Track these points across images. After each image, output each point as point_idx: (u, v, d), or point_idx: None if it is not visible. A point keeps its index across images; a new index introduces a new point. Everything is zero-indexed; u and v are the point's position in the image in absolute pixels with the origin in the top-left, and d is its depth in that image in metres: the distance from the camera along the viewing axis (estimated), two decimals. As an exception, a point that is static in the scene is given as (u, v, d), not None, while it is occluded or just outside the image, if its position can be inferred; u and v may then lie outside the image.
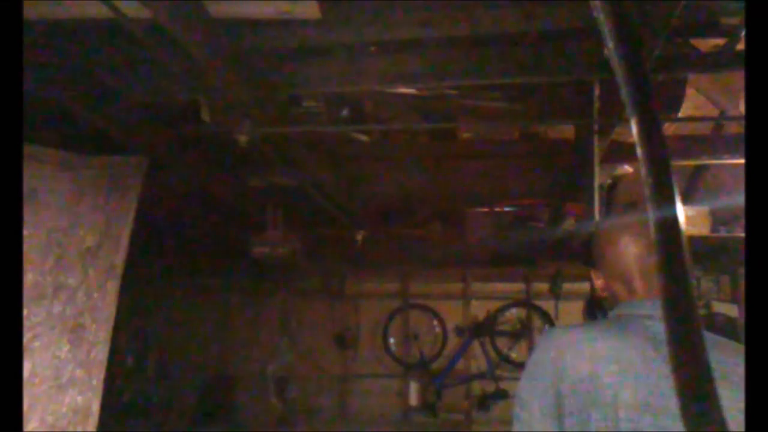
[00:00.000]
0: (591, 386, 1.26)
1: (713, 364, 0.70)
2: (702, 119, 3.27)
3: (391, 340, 6.60)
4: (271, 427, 6.25)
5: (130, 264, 2.83)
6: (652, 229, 0.52)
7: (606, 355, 1.29)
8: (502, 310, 6.30)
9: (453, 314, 6.52)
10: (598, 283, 1.53)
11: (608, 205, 3.87)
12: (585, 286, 6.09)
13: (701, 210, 3.79)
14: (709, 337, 1.35)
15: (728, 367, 1.23)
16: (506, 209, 4.60)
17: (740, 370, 1.23)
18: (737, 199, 3.56)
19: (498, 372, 6.14)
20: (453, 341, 6.45)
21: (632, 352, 1.29)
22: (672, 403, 1.19)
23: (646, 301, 1.39)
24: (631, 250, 1.43)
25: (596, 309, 5.93)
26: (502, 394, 6.05)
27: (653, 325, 1.34)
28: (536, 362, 1.37)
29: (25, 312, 2.37)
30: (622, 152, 3.15)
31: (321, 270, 6.36)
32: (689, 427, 0.49)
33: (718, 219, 3.96)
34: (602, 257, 1.50)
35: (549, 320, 6.13)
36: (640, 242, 1.43)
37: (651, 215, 0.51)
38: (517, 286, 6.43)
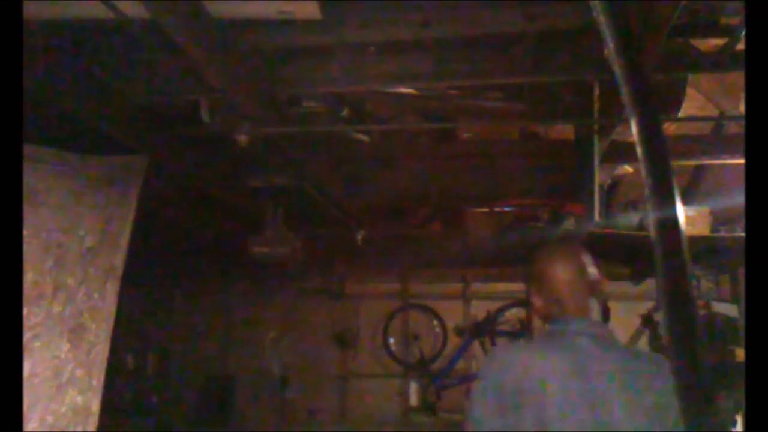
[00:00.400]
0: (524, 390, 1.52)
1: (629, 373, 1.01)
2: (702, 119, 3.27)
3: (391, 340, 6.60)
4: (271, 427, 6.25)
5: (130, 264, 2.83)
6: (652, 229, 0.52)
7: (538, 366, 1.56)
8: (502, 310, 6.29)
9: (453, 314, 6.52)
10: (535, 301, 1.75)
11: (608, 205, 3.87)
12: (585, 286, 6.10)
13: (701, 210, 3.79)
14: (631, 350, 1.77)
15: (637, 373, 1.53)
16: (506, 209, 4.59)
17: (646, 377, 1.52)
18: (737, 199, 3.56)
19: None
20: (453, 341, 6.44)
21: (559, 363, 1.55)
22: (588, 409, 1.49)
23: (576, 320, 1.66)
24: (562, 275, 1.69)
25: (596, 309, 5.93)
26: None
27: (581, 341, 1.61)
28: (485, 371, 1.66)
29: (25, 312, 2.37)
30: (622, 152, 3.15)
31: (321, 270, 6.36)
32: (689, 427, 0.49)
33: (718, 219, 3.96)
34: (539, 280, 1.73)
35: (549, 320, 6.12)
36: (571, 268, 1.71)
37: (651, 215, 0.51)
38: (517, 286, 6.42)
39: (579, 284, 1.72)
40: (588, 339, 1.62)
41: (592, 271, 1.78)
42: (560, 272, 1.70)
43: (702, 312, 4.96)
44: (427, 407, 6.25)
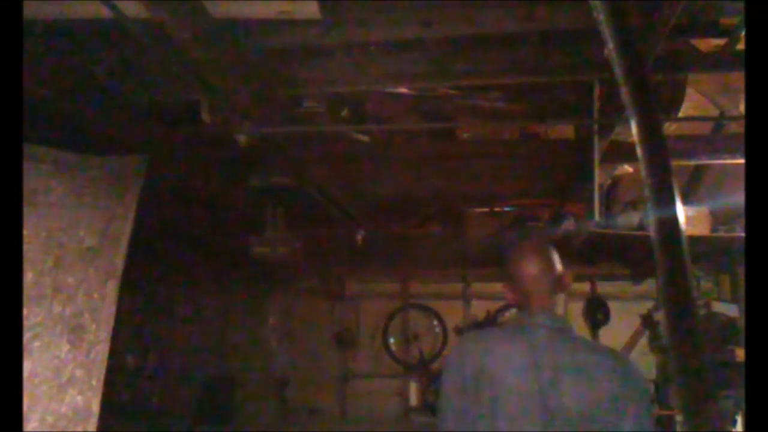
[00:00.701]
0: (483, 375, 1.74)
1: (576, 361, 1.30)
2: (702, 119, 3.27)
3: (391, 340, 6.60)
4: (271, 427, 6.25)
5: (130, 264, 2.83)
6: (652, 229, 0.52)
7: (496, 354, 1.78)
8: (502, 310, 6.29)
9: (453, 314, 6.52)
10: (508, 294, 1.93)
11: (608, 205, 3.87)
12: (585, 287, 6.09)
13: (701, 210, 3.79)
14: (587, 344, 1.95)
15: (588, 364, 1.72)
16: (506, 209, 4.59)
17: (595, 368, 1.71)
18: (737, 199, 3.56)
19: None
20: (453, 341, 6.44)
21: (517, 353, 1.75)
22: (538, 396, 1.68)
23: (539, 313, 1.82)
24: (529, 271, 1.86)
25: (597, 309, 5.93)
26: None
27: (540, 332, 1.78)
28: (451, 357, 1.93)
29: (25, 312, 2.37)
30: (622, 152, 3.15)
31: (321, 270, 6.35)
32: (689, 426, 0.49)
33: (718, 219, 3.96)
34: (510, 276, 1.91)
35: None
36: (537, 265, 1.87)
37: (651, 215, 0.51)
38: (517, 286, 6.41)
39: (544, 280, 1.86)
40: (546, 331, 1.79)
41: (558, 268, 1.89)
42: (527, 269, 1.87)
43: (702, 312, 4.96)
44: (427, 407, 6.25)
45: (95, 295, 2.67)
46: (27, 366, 2.36)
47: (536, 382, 1.69)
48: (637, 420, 1.66)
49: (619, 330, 6.02)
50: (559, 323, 1.83)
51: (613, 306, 5.95)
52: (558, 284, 1.87)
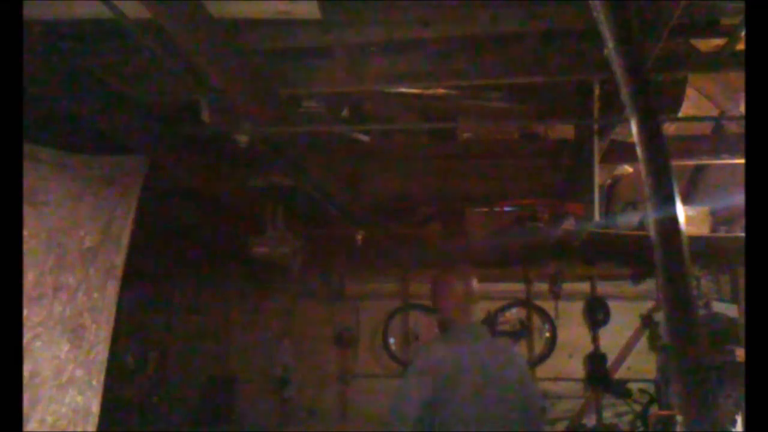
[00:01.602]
0: (442, 375, 2.27)
1: (495, 357, 2.34)
2: (702, 119, 3.27)
3: (391, 340, 6.60)
4: (271, 427, 6.25)
5: (131, 264, 2.83)
6: (652, 229, 0.52)
7: (449, 359, 2.34)
8: (502, 310, 6.29)
9: (453, 314, 6.52)
10: (441, 311, 2.59)
11: (608, 205, 3.87)
12: (585, 286, 6.09)
13: (701, 210, 3.79)
14: (495, 343, 2.77)
15: (501, 358, 2.47)
16: (506, 209, 4.59)
17: (511, 363, 2.50)
18: (737, 199, 3.56)
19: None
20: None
21: (463, 357, 2.35)
22: (483, 393, 2.30)
23: (470, 326, 2.54)
24: (459, 291, 2.54)
25: (597, 309, 5.93)
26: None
27: (474, 342, 2.47)
28: (417, 362, 2.47)
29: (25, 312, 2.37)
30: (622, 152, 3.15)
31: (321, 270, 6.35)
32: (689, 426, 0.49)
33: (718, 219, 3.96)
34: (441, 295, 2.58)
35: (549, 320, 6.12)
36: (464, 287, 2.55)
37: (651, 215, 0.51)
38: (517, 286, 6.41)
39: (468, 298, 2.55)
40: (474, 338, 2.50)
41: (476, 287, 2.60)
42: (456, 289, 2.55)
43: (702, 312, 4.96)
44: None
45: (95, 295, 2.67)
46: (27, 366, 2.36)
47: (480, 376, 2.33)
48: (531, 391, 2.53)
49: (619, 330, 6.02)
50: (481, 331, 2.60)
51: (613, 306, 5.95)
52: (476, 300, 2.59)
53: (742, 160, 3.13)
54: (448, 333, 2.53)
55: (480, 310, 6.38)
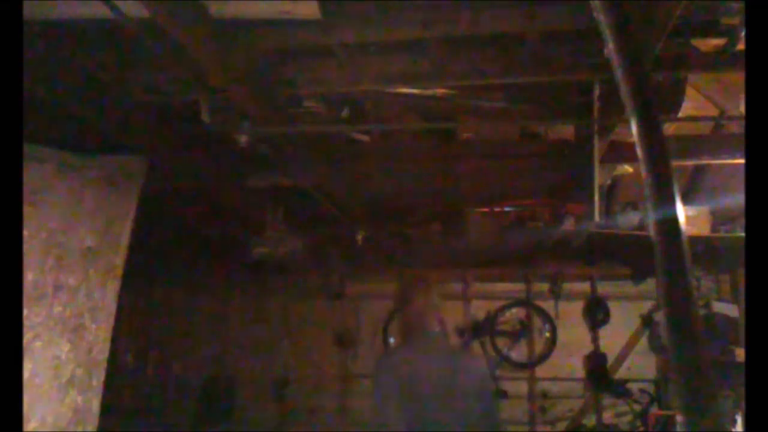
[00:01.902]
0: (403, 381, 2.43)
1: (455, 363, 2.58)
2: (702, 119, 3.26)
3: (391, 340, 6.59)
4: (271, 427, 6.25)
5: (131, 264, 2.83)
6: (652, 229, 0.52)
7: (409, 365, 2.50)
8: (502, 310, 6.29)
9: (453, 314, 6.52)
10: (405, 319, 2.74)
11: (608, 205, 3.87)
12: (585, 286, 6.09)
13: (701, 210, 3.79)
14: (458, 352, 3.09)
15: (461, 364, 2.62)
16: (506, 209, 4.59)
17: (471, 371, 2.62)
18: (737, 199, 3.56)
19: (498, 372, 6.14)
20: (452, 341, 6.44)
21: (420, 367, 2.50)
22: (438, 402, 2.43)
23: (430, 334, 2.66)
24: (421, 302, 2.69)
25: (597, 309, 5.93)
26: (502, 394, 6.04)
27: (434, 351, 2.62)
28: (380, 369, 2.58)
29: (25, 312, 2.37)
30: (622, 152, 3.14)
31: (321, 270, 6.35)
32: (689, 426, 0.49)
33: (718, 219, 3.96)
34: (405, 305, 2.73)
35: (549, 320, 6.12)
36: (425, 297, 2.71)
37: (651, 215, 0.51)
38: (517, 286, 6.42)
39: (431, 308, 2.70)
40: (433, 347, 2.66)
41: (438, 299, 2.76)
42: (418, 300, 2.69)
43: (702, 312, 4.96)
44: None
45: (95, 295, 2.67)
46: (28, 366, 2.36)
47: (435, 386, 2.47)
48: (488, 403, 2.63)
49: (619, 330, 6.02)
50: (442, 339, 2.75)
51: (613, 306, 5.95)
52: (438, 309, 2.74)
53: (742, 160, 3.13)
54: (409, 341, 2.73)
55: (480, 309, 6.43)
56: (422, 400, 2.41)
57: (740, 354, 4.41)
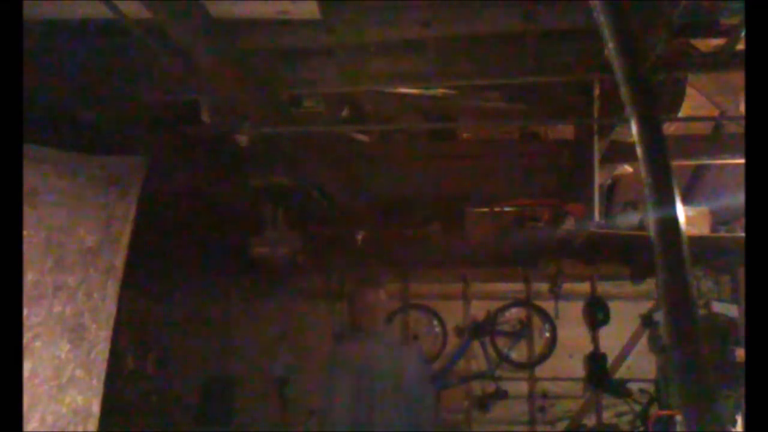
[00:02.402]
0: (350, 372, 2.86)
1: (398, 356, 3.07)
2: (702, 119, 3.27)
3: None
4: (271, 427, 6.25)
5: (131, 264, 2.83)
6: (652, 229, 0.52)
7: (357, 357, 2.91)
8: (502, 310, 6.28)
9: (453, 314, 6.51)
10: (359, 314, 3.11)
11: (608, 205, 3.87)
12: (585, 286, 6.09)
13: (701, 210, 3.78)
14: (391, 342, 3.38)
15: (401, 357, 3.07)
16: (506, 209, 4.59)
17: (410, 360, 3.07)
18: (737, 199, 3.55)
19: (498, 372, 6.14)
20: (453, 341, 6.44)
21: (367, 357, 2.88)
22: (378, 393, 2.81)
23: (377, 332, 3.07)
24: (369, 300, 3.09)
25: (597, 309, 5.93)
26: (502, 394, 6.04)
27: (379, 346, 3.00)
28: (331, 361, 3.09)
29: (25, 312, 2.37)
30: (622, 152, 3.15)
31: (321, 270, 6.35)
32: (689, 426, 0.49)
33: (718, 219, 3.95)
34: (356, 302, 3.12)
35: (549, 320, 6.12)
36: (373, 298, 3.11)
37: (651, 215, 0.51)
38: (517, 286, 6.42)
39: (377, 307, 3.09)
40: (379, 342, 3.02)
41: (384, 297, 3.15)
42: (368, 297, 3.09)
43: (702, 312, 4.96)
44: (427, 407, 6.23)
45: (95, 295, 2.67)
46: (27, 366, 2.36)
47: (375, 378, 2.82)
48: (426, 394, 3.02)
49: (619, 330, 6.01)
50: (388, 335, 3.17)
51: (613, 306, 5.95)
52: (383, 309, 3.17)
53: (742, 160, 3.13)
54: (358, 336, 3.09)
55: (480, 309, 6.43)
56: (364, 390, 2.80)
57: (740, 354, 4.40)
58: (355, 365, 2.90)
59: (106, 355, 2.69)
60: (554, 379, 6.14)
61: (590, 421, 5.97)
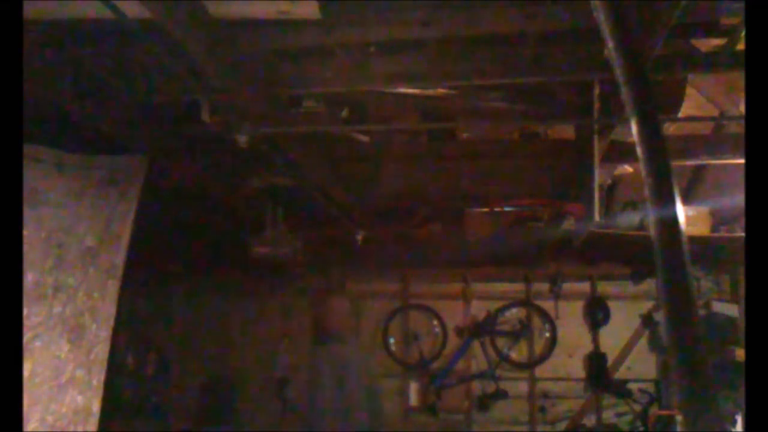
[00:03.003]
0: (324, 374, 3.37)
1: (361, 359, 3.72)
2: (702, 119, 3.27)
3: (391, 340, 6.59)
4: (271, 428, 6.25)
5: (131, 264, 2.83)
6: (652, 229, 0.52)
7: (336, 363, 3.38)
8: (502, 310, 6.29)
9: (453, 314, 6.52)
10: (329, 323, 3.53)
11: (608, 205, 3.87)
12: (585, 286, 6.09)
13: (701, 210, 3.79)
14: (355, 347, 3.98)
15: (363, 359, 3.77)
16: (506, 209, 4.59)
17: (365, 360, 3.84)
18: (737, 199, 3.56)
19: (498, 372, 6.14)
20: (453, 341, 6.44)
21: (328, 364, 3.37)
22: (338, 396, 3.31)
23: (341, 339, 3.50)
24: (340, 309, 3.64)
25: (597, 309, 5.94)
26: (502, 394, 6.04)
27: (342, 352, 3.48)
28: (317, 367, 3.50)
29: (25, 312, 2.37)
30: (622, 152, 3.15)
31: (321, 270, 6.35)
32: (689, 426, 0.49)
33: (718, 219, 3.96)
34: (327, 313, 3.58)
35: (549, 320, 6.12)
36: (337, 308, 3.65)
37: (651, 215, 0.51)
38: (517, 286, 6.42)
39: (340, 317, 3.56)
40: (342, 348, 3.48)
41: (348, 307, 3.74)
42: (338, 308, 3.63)
43: (702, 312, 4.96)
44: (427, 407, 6.24)
45: (95, 295, 2.67)
46: (27, 366, 2.36)
47: (337, 381, 3.26)
48: (376, 397, 3.54)
49: (619, 330, 6.02)
50: (349, 343, 3.62)
51: (613, 306, 5.95)
52: (346, 318, 3.68)
53: (742, 160, 3.13)
54: (325, 342, 3.49)
55: (480, 309, 6.43)
56: (327, 393, 3.28)
57: (740, 354, 4.41)
58: (323, 367, 3.39)
59: (106, 355, 2.69)
60: (554, 379, 6.14)
61: (590, 421, 5.97)
